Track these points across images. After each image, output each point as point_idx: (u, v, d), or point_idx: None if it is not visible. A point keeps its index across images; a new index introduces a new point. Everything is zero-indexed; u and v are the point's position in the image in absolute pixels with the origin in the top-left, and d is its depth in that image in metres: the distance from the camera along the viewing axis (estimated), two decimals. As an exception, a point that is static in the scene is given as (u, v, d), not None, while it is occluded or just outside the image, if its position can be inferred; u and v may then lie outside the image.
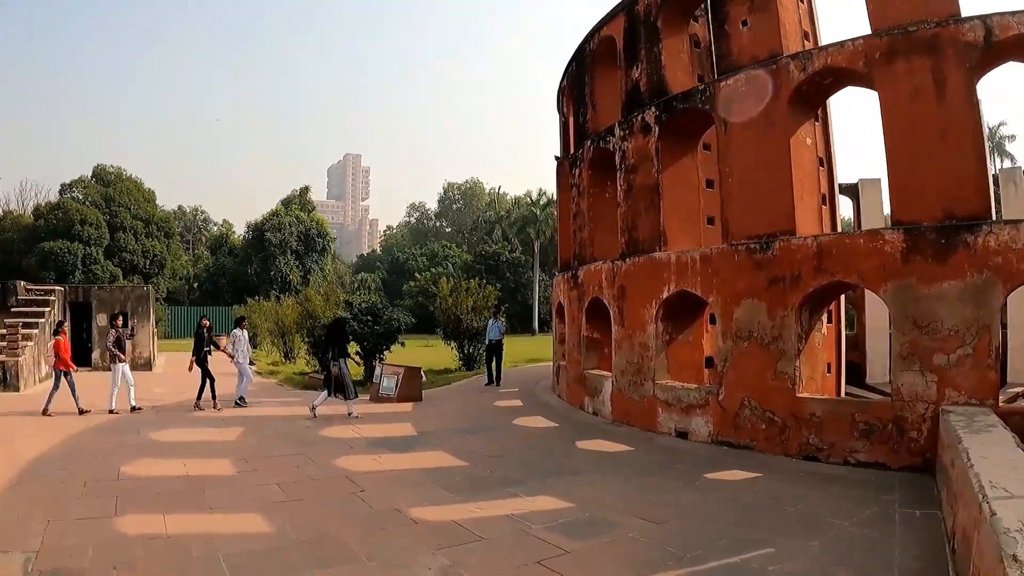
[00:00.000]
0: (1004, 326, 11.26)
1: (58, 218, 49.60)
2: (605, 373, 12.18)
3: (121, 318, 13.40)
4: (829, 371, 10.98)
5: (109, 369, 12.99)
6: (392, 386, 14.26)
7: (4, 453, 8.68)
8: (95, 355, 21.21)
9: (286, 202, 64.09)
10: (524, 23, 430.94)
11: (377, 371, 15.04)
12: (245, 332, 13.98)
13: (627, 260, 11.38)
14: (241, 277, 57.25)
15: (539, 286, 54.48)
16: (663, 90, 11.07)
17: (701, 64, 13.20)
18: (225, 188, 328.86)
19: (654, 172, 11.00)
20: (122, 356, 12.40)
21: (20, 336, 16.45)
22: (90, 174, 56.85)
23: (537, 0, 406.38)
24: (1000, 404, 7.52)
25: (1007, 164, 43.77)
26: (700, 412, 9.73)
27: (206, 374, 12.79)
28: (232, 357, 13.53)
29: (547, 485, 7.37)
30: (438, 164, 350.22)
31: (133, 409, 12.21)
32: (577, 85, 14.52)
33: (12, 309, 18.32)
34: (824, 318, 10.43)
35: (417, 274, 56.05)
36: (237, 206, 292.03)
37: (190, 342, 13.48)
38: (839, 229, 12.11)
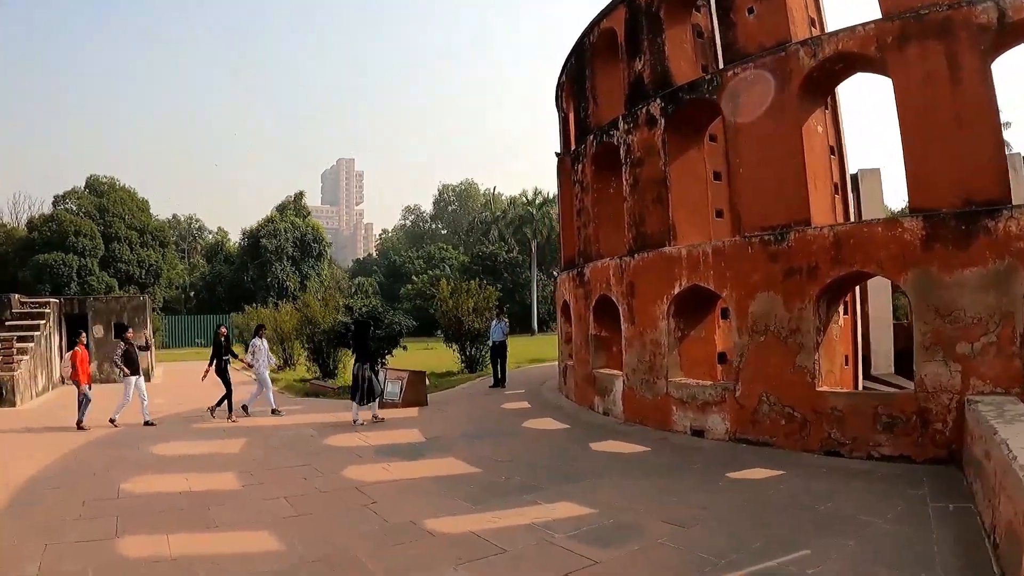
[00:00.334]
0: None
1: (52, 230, 49.43)
2: (615, 372, 11.94)
3: (131, 331, 13.10)
4: (847, 363, 10.76)
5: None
6: (396, 391, 14.00)
7: (-1, 472, 8.40)
8: (92, 367, 20.85)
9: (281, 208, 63.70)
10: (524, 23, 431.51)
11: (380, 376, 14.78)
12: (265, 341, 13.66)
13: (636, 256, 11.14)
14: (238, 285, 56.96)
15: (537, 286, 54.28)
16: (668, 82, 10.84)
17: (704, 54, 12.96)
18: (219, 195, 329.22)
19: (661, 165, 10.77)
20: (127, 370, 12.06)
21: (15, 350, 16.17)
22: (83, 185, 56.58)
23: (537, 0, 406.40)
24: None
25: (1005, 151, 43.71)
26: (716, 409, 9.49)
27: (226, 384, 12.55)
28: (251, 367, 13.41)
29: (565, 490, 7.12)
30: (432, 167, 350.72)
31: (146, 423, 11.93)
32: (577, 80, 14.28)
33: (7, 323, 18.02)
34: (840, 309, 10.20)
35: (414, 277, 55.81)
36: (231, 213, 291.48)
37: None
38: (851, 218, 11.89)
